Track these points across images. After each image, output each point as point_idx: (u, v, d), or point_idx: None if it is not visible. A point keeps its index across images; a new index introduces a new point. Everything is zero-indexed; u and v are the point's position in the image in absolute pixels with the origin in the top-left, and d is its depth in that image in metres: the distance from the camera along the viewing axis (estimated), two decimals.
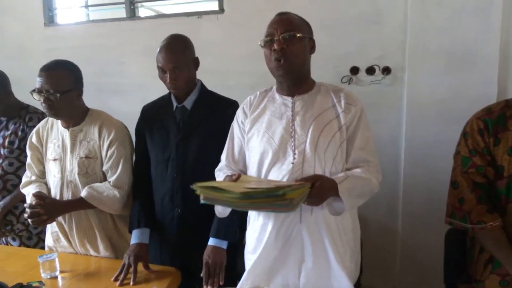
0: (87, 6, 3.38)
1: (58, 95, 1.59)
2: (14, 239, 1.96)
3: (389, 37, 2.42)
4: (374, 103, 2.47)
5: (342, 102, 1.37)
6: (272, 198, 1.00)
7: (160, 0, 2.97)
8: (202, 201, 1.10)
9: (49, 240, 1.83)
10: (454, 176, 1.36)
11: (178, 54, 1.57)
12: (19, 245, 1.95)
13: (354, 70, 2.50)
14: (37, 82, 1.61)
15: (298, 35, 1.31)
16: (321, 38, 2.44)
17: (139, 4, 3.01)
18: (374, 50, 2.45)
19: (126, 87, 2.96)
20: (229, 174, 1.34)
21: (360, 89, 2.49)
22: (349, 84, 2.51)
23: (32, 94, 1.62)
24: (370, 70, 2.47)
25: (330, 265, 1.35)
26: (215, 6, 2.76)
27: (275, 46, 1.30)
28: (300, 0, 2.54)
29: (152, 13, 3.20)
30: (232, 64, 2.71)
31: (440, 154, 2.17)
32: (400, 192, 2.50)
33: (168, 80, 1.58)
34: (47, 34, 3.21)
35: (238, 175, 1.24)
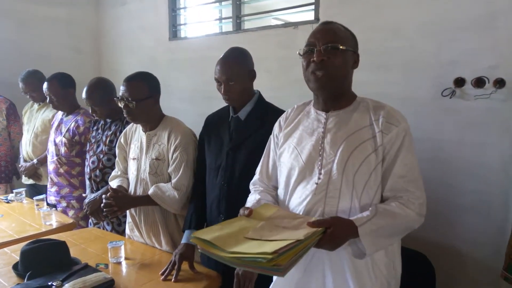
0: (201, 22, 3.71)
1: (134, 102, 1.80)
2: (108, 224, 2.29)
3: (505, 44, 2.02)
4: (480, 122, 2.12)
5: (381, 121, 1.22)
6: (259, 263, 0.96)
7: (262, 13, 3.06)
8: (199, 251, 1.09)
9: (127, 229, 2.08)
10: None
11: (232, 67, 1.62)
12: (111, 230, 2.26)
13: (459, 82, 2.16)
14: (120, 90, 1.86)
15: (341, 47, 1.21)
16: (421, 44, 2.25)
17: (245, 18, 3.17)
18: (485, 58, 2.08)
19: None
20: (246, 206, 1.32)
21: (464, 105, 2.15)
22: (450, 98, 2.19)
23: (116, 101, 1.87)
24: (479, 82, 2.10)
25: None
26: (311, 16, 2.73)
27: (315, 57, 1.22)
28: (397, 6, 2.34)
29: (280, 22, 3.34)
30: None
31: None
32: (509, 231, 2.06)
33: (222, 92, 1.64)
34: (171, 47, 3.64)
35: (250, 212, 1.20)
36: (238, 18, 3.15)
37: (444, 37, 2.19)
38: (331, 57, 1.22)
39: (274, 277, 1.38)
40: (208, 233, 1.07)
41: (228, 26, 3.28)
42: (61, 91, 2.65)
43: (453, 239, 2.21)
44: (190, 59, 3.47)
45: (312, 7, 2.71)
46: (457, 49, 2.16)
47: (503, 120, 2.06)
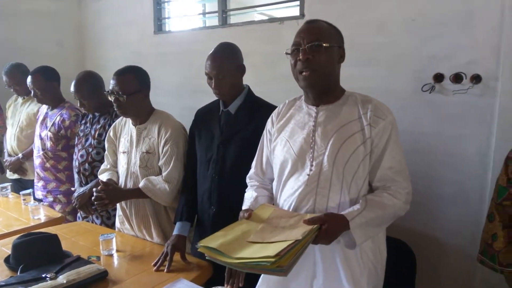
0: (187, 15, 3.71)
1: (124, 96, 1.82)
2: (97, 218, 2.30)
3: (481, 41, 2.11)
4: (458, 115, 2.21)
5: (369, 114, 1.28)
6: (263, 266, 1.02)
7: (247, 8, 3.09)
8: (207, 258, 1.14)
9: (117, 222, 2.10)
10: (491, 207, 1.16)
11: (222, 62, 1.66)
12: (100, 224, 2.28)
13: (439, 78, 2.25)
14: (110, 84, 1.87)
15: (324, 45, 1.27)
16: (403, 39, 2.33)
17: (230, 12, 3.20)
18: (463, 55, 2.17)
19: None
20: (245, 209, 1.37)
21: (443, 99, 2.24)
22: (430, 92, 2.27)
23: (107, 95, 1.89)
24: (457, 78, 2.19)
25: (341, 284, 1.29)
26: (296, 12, 2.78)
27: (301, 56, 1.28)
28: (382, 1, 2.41)
29: (265, 17, 3.36)
30: None
31: None
32: (484, 218, 2.18)
33: (212, 86, 1.68)
34: (156, 41, 3.63)
35: (249, 215, 1.26)
36: (224, 12, 3.17)
37: (425, 32, 2.26)
38: (316, 55, 1.27)
39: None
40: (213, 241, 1.13)
41: (213, 20, 3.29)
42: (45, 85, 2.64)
43: (433, 228, 2.31)
44: (175, 53, 3.47)
45: (297, 2, 2.76)
46: (437, 45, 2.24)
47: (480, 114, 2.15)
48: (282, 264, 1.00)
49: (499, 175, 1.16)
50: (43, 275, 1.50)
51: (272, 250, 1.02)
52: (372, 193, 1.29)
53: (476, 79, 2.13)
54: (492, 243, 1.13)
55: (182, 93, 3.46)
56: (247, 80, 2.72)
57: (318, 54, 1.27)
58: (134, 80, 1.86)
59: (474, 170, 2.18)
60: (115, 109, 1.90)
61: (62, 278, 1.48)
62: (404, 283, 1.85)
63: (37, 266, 1.58)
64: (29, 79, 2.63)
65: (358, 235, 1.17)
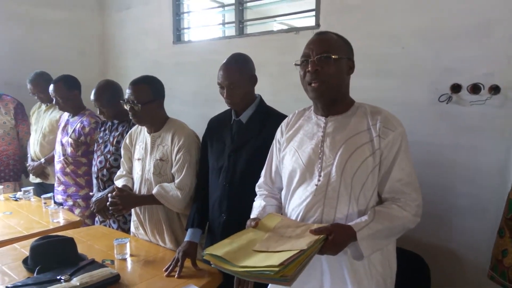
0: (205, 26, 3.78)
1: (139, 105, 1.87)
2: (114, 222, 2.35)
3: (499, 51, 2.08)
4: (476, 127, 2.17)
5: (378, 126, 1.28)
6: (267, 275, 1.03)
7: (264, 18, 3.13)
8: (212, 266, 1.16)
9: (132, 227, 2.15)
10: (501, 222, 1.14)
11: (234, 72, 1.69)
12: (117, 228, 2.33)
13: (456, 88, 2.22)
14: (126, 93, 1.93)
15: (333, 56, 1.28)
16: (419, 51, 2.32)
17: (248, 22, 3.25)
18: (480, 66, 2.14)
19: None
20: (253, 218, 1.39)
21: (460, 110, 2.21)
22: (447, 103, 2.25)
23: (123, 104, 1.94)
24: (475, 89, 2.16)
25: None
26: (312, 22, 2.80)
27: (309, 68, 1.29)
28: (396, 13, 2.40)
29: (284, 27, 3.40)
30: None
31: None
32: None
33: (224, 96, 1.71)
34: (174, 51, 3.71)
35: (256, 224, 1.28)
36: (240, 23, 3.22)
37: (441, 44, 2.25)
38: (324, 66, 1.28)
39: None
40: (219, 249, 1.15)
41: (231, 30, 3.35)
42: (66, 93, 2.74)
43: (449, 241, 2.26)
44: (193, 62, 3.54)
45: (313, 13, 2.78)
46: (454, 56, 2.22)
47: (498, 125, 2.11)
48: (286, 273, 1.01)
49: (511, 189, 1.14)
50: (58, 277, 1.54)
51: (276, 259, 1.03)
52: (381, 205, 1.28)
53: (495, 89, 2.09)
54: (502, 259, 1.10)
55: (198, 102, 3.51)
56: (263, 89, 2.75)
57: (327, 65, 1.28)
58: (149, 90, 1.92)
59: (492, 183, 2.13)
60: (130, 117, 1.95)
61: (75, 281, 1.53)
62: None
63: (53, 268, 1.63)
64: (51, 87, 2.74)
65: (365, 246, 1.17)
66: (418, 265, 1.88)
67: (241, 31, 3.24)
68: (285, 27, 3.31)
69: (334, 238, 1.14)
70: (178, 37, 3.70)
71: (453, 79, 2.22)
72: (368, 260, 1.28)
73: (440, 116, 2.28)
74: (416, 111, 2.36)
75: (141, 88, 1.90)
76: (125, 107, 1.94)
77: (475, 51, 2.14)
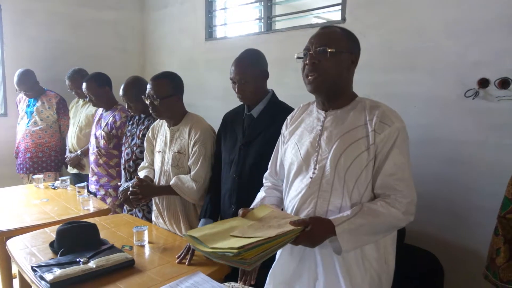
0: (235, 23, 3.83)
1: (158, 100, 1.96)
2: (140, 211, 2.48)
3: None
4: (503, 123, 2.07)
5: (374, 120, 1.27)
6: (227, 256, 1.07)
7: (291, 14, 3.13)
8: (191, 246, 1.22)
9: (153, 216, 2.26)
10: (496, 221, 1.09)
11: (245, 68, 1.73)
12: (142, 217, 2.45)
13: (483, 83, 2.12)
14: (147, 89, 2.02)
15: (330, 50, 1.27)
16: (446, 44, 2.25)
17: (275, 18, 3.26)
18: (509, 59, 2.03)
19: None
20: (242, 209, 1.39)
21: (487, 106, 2.11)
22: (473, 98, 2.15)
23: (144, 99, 2.04)
24: (504, 83, 2.05)
25: None
26: (338, 16, 2.77)
27: (307, 61, 1.31)
28: (423, 7, 2.33)
29: (320, 21, 3.39)
30: None
31: None
32: None
33: (236, 91, 1.76)
34: (207, 47, 3.81)
35: (244, 213, 1.31)
36: (269, 18, 3.25)
37: (468, 37, 2.16)
38: (322, 60, 1.28)
39: (272, 265, 1.47)
40: (199, 232, 1.21)
41: (260, 26, 3.38)
42: (97, 90, 2.90)
43: (470, 240, 2.17)
44: (223, 58, 3.59)
45: (339, 7, 2.75)
46: (481, 49, 2.12)
47: None
48: (245, 257, 1.04)
49: (507, 187, 1.09)
50: (78, 259, 1.66)
51: (241, 243, 1.07)
52: (370, 201, 1.27)
53: None
54: (495, 258, 1.06)
55: (228, 97, 3.57)
56: (288, 84, 2.77)
57: (325, 59, 1.28)
58: (168, 85, 2.00)
59: None
60: (150, 111, 2.05)
61: (92, 263, 1.64)
62: None
63: (75, 251, 1.75)
64: (84, 85, 2.92)
65: (345, 241, 1.16)
66: (431, 265, 1.83)
67: (269, 27, 3.27)
68: (321, 21, 3.30)
69: (310, 231, 1.15)
70: (210, 34, 3.79)
71: (481, 74, 2.12)
72: (361, 255, 1.28)
73: (466, 112, 2.19)
74: (442, 106, 2.28)
75: (161, 83, 1.99)
76: (146, 101, 2.03)
77: (504, 44, 2.04)
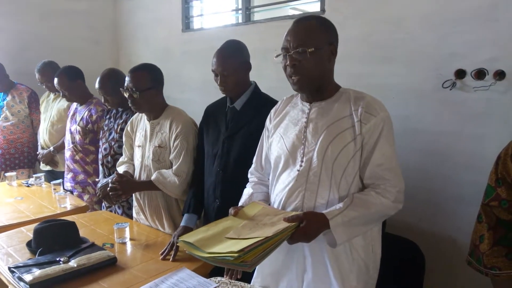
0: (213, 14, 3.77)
1: (138, 92, 1.91)
2: (119, 208, 2.42)
3: (505, 35, 2.01)
4: (480, 114, 2.12)
5: (360, 111, 1.27)
6: (228, 260, 1.06)
7: (270, 5, 3.10)
8: (187, 252, 1.19)
9: (134, 213, 2.21)
10: (480, 208, 1.12)
11: (227, 59, 1.70)
12: (122, 214, 2.40)
13: (460, 74, 2.16)
14: (125, 81, 1.96)
15: (309, 50, 1.24)
16: (423, 36, 2.27)
17: (254, 9, 3.23)
18: (486, 51, 2.08)
19: None
20: (240, 205, 1.42)
21: (464, 96, 2.16)
22: (451, 89, 2.19)
23: (122, 91, 1.98)
24: (480, 74, 2.10)
25: (330, 280, 1.29)
26: (317, 7, 2.77)
27: (288, 62, 1.28)
28: None
29: (298, 12, 3.36)
30: None
31: None
32: None
33: (218, 83, 1.73)
34: (184, 39, 3.74)
35: (235, 212, 1.30)
36: (247, 9, 3.21)
37: (445, 29, 2.19)
38: (302, 60, 1.25)
39: None
40: (193, 236, 1.19)
41: (239, 17, 3.34)
42: (70, 84, 2.80)
43: (449, 229, 2.23)
44: (201, 50, 3.55)
45: None
46: (458, 41, 2.16)
47: (503, 112, 2.06)
48: (246, 259, 1.03)
49: (489, 175, 1.12)
50: (57, 259, 1.61)
51: (240, 246, 1.06)
52: (360, 192, 1.28)
53: (500, 75, 2.03)
54: (479, 244, 1.09)
55: (207, 90, 3.53)
56: (268, 75, 2.74)
57: (305, 59, 1.25)
58: (147, 77, 1.95)
59: None
60: (129, 104, 1.99)
61: (73, 262, 1.59)
62: (411, 284, 1.81)
63: (54, 250, 1.70)
64: (55, 81, 2.81)
65: (339, 234, 1.17)
66: (412, 253, 1.87)
67: (248, 18, 3.23)
68: (298, 13, 3.28)
69: (306, 226, 1.15)
70: (187, 25, 3.72)
71: (458, 65, 2.16)
72: (350, 245, 1.29)
73: (444, 103, 2.23)
74: (420, 98, 2.32)
75: (140, 76, 1.93)
76: (124, 94, 1.97)
77: (480, 35, 2.08)
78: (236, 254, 1.02)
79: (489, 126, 2.09)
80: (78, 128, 2.79)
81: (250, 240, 1.08)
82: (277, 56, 1.35)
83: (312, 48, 1.24)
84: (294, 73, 1.27)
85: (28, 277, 1.46)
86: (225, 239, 1.14)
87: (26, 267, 1.56)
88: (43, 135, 3.25)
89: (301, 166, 1.30)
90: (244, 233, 1.15)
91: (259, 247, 1.06)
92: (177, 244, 1.20)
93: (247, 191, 1.50)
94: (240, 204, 1.46)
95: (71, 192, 2.85)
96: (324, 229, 1.18)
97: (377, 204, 1.22)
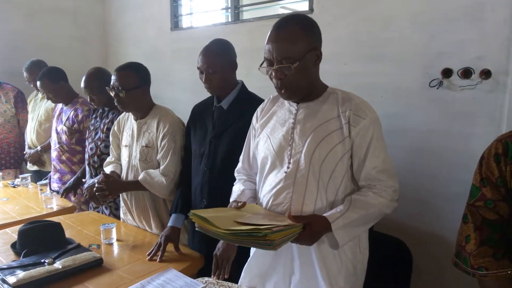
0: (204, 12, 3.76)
1: (124, 92, 1.89)
2: (106, 208, 2.39)
3: (491, 35, 2.03)
4: (466, 112, 2.14)
5: (347, 113, 1.26)
6: (253, 237, 1.04)
7: (258, 4, 3.10)
8: (196, 229, 1.17)
9: (121, 213, 2.19)
10: (465, 209, 1.13)
11: (212, 57, 1.69)
12: (109, 214, 2.37)
13: (447, 73, 2.18)
14: (111, 80, 1.94)
15: (294, 65, 1.19)
16: (411, 36, 2.28)
17: (243, 8, 3.22)
18: (472, 50, 2.10)
19: None
20: (236, 200, 1.40)
21: (451, 95, 2.18)
22: (438, 88, 2.21)
23: (108, 90, 1.96)
24: (466, 73, 2.12)
25: (317, 281, 1.29)
26: (306, 7, 2.76)
27: (273, 74, 1.24)
28: None
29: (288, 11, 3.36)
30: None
31: None
32: None
33: (203, 81, 1.72)
34: (172, 37, 3.71)
35: (243, 204, 1.29)
36: (236, 8, 3.20)
37: (433, 28, 2.21)
38: (288, 74, 1.22)
39: (249, 259, 1.46)
40: (205, 213, 1.17)
41: (228, 16, 3.33)
42: (53, 86, 2.76)
43: (437, 227, 2.25)
44: (190, 49, 3.51)
45: None
46: (445, 40, 2.18)
47: (489, 110, 2.08)
48: (273, 238, 1.01)
49: (474, 175, 1.13)
50: (42, 260, 1.58)
51: (262, 227, 1.04)
52: (357, 193, 1.28)
53: (486, 74, 2.05)
54: (465, 245, 1.09)
55: (197, 89, 3.50)
56: (258, 74, 2.73)
57: (291, 73, 1.22)
58: (134, 76, 1.92)
59: None
60: (115, 104, 1.97)
61: (58, 264, 1.56)
62: (399, 282, 1.82)
63: (39, 252, 1.67)
64: (38, 84, 2.77)
65: (341, 236, 1.18)
66: (400, 251, 1.88)
67: (237, 17, 3.22)
68: (287, 12, 3.28)
69: (312, 229, 1.15)
70: (175, 24, 3.70)
71: (445, 64, 2.18)
72: None
73: (431, 102, 2.25)
74: (408, 96, 2.33)
75: (126, 75, 1.91)
76: (110, 93, 1.95)
77: (466, 35, 2.10)
78: (264, 231, 1.00)
79: (476, 124, 2.11)
80: (64, 128, 2.75)
81: (269, 226, 1.05)
82: (260, 66, 1.30)
83: (296, 62, 1.19)
84: (281, 87, 1.25)
85: (11, 279, 1.43)
86: (237, 223, 1.11)
87: (10, 269, 1.53)
88: (30, 135, 3.20)
89: (288, 167, 1.30)
90: (253, 220, 1.13)
91: (283, 231, 1.05)
92: (190, 217, 1.17)
93: (238, 187, 1.49)
94: (231, 200, 1.45)
95: (58, 192, 2.80)
96: (326, 232, 1.19)
97: (376, 204, 1.23)
